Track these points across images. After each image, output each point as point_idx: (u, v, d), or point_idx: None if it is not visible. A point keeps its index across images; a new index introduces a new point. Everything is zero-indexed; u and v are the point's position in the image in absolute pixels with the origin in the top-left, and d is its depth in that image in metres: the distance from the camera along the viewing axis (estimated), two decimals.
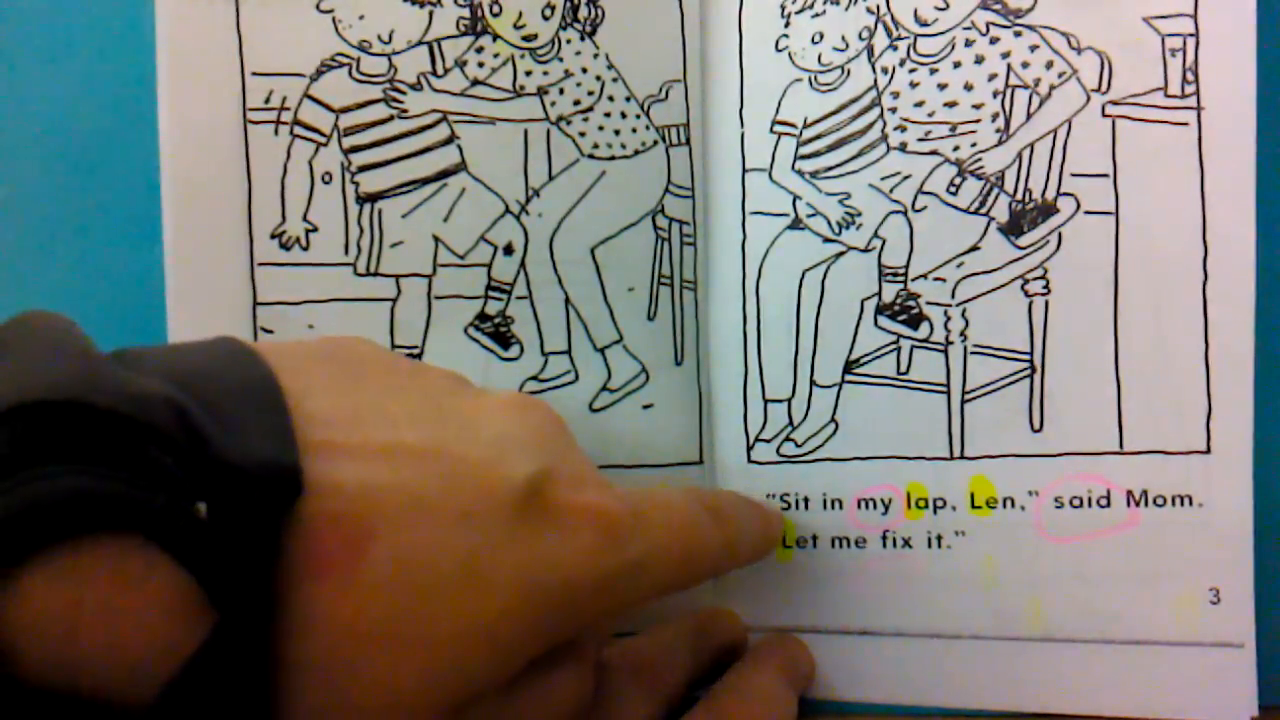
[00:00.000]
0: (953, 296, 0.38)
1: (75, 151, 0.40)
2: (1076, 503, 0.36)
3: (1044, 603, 0.36)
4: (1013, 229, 0.37)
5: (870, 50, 0.38)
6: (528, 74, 0.39)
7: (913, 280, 0.38)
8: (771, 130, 0.39)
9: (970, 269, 0.37)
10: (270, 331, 0.38)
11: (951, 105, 0.38)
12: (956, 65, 0.37)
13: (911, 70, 0.38)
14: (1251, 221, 0.35)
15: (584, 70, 0.39)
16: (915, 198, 0.38)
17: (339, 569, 0.21)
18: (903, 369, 0.38)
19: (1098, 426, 0.36)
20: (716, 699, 0.34)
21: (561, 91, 0.39)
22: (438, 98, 0.39)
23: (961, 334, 0.37)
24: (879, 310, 0.38)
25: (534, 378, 0.40)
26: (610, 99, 0.40)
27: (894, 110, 0.38)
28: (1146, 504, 0.36)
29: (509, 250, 0.39)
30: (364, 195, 0.39)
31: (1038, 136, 0.37)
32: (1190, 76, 0.35)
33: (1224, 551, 0.35)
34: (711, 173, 0.40)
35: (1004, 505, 0.37)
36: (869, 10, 0.38)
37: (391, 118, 0.39)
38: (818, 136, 0.39)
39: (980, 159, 0.37)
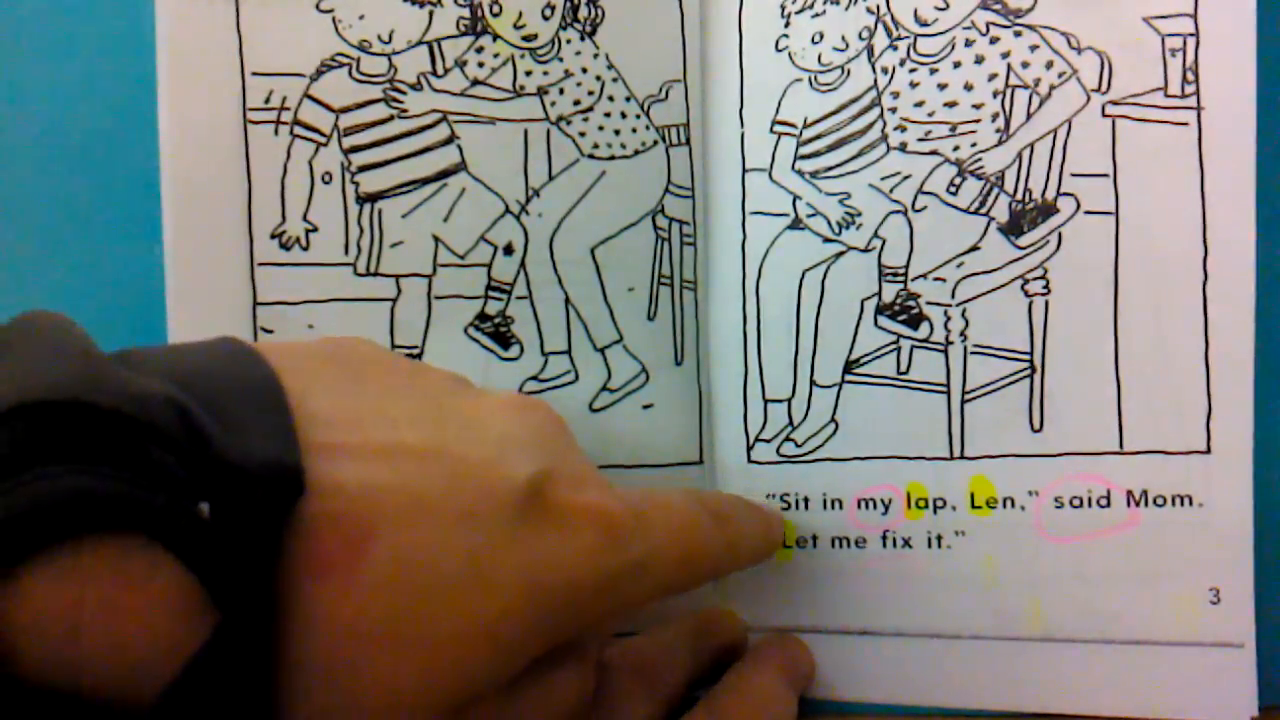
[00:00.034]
0: (953, 296, 0.38)
1: (75, 151, 0.40)
2: (1076, 503, 0.36)
3: (1044, 603, 0.36)
4: (1013, 229, 0.37)
5: (870, 50, 0.38)
6: (528, 74, 0.39)
7: (913, 280, 0.38)
8: (771, 130, 0.39)
9: (970, 269, 0.37)
10: (270, 331, 0.38)
11: (951, 105, 0.38)
12: (956, 65, 0.38)
13: (911, 70, 0.38)
14: (1251, 221, 0.35)
15: (584, 70, 0.39)
16: (915, 198, 0.38)
17: (340, 569, 0.21)
18: (903, 369, 0.38)
19: (1098, 426, 0.36)
20: (716, 699, 0.34)
21: (561, 91, 0.39)
22: (438, 98, 0.39)
23: (961, 334, 0.37)
24: (879, 310, 0.38)
25: (534, 378, 0.40)
26: (610, 99, 0.40)
27: (894, 110, 0.38)
28: (1146, 504, 0.36)
29: (509, 250, 0.39)
30: (364, 195, 0.39)
31: (1038, 136, 0.37)
32: (1190, 76, 0.35)
33: (1224, 551, 0.35)
34: (711, 173, 0.40)
35: (1004, 505, 0.37)
36: (869, 10, 0.38)
37: (391, 118, 0.39)
38: (818, 136, 0.39)
39: (980, 159, 0.37)
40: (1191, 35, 0.35)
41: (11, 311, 0.23)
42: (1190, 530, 0.35)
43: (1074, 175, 0.36)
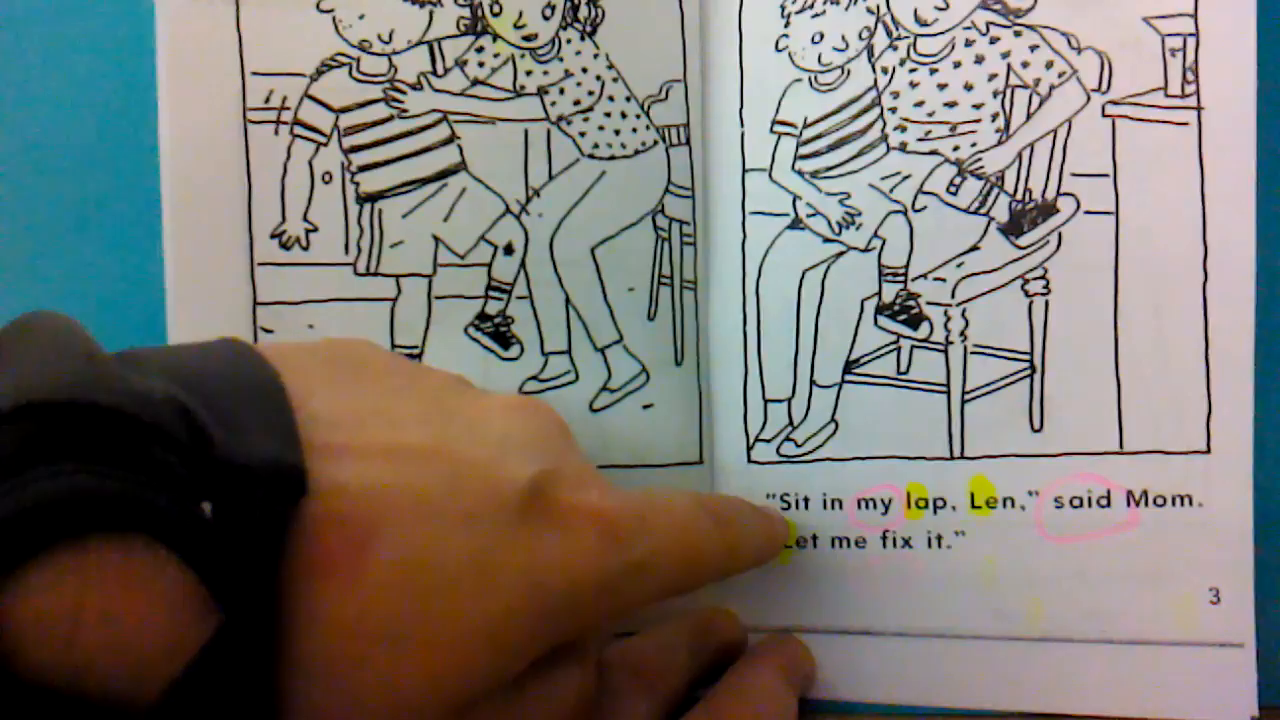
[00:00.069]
0: (953, 296, 0.38)
1: (75, 151, 0.40)
2: (1076, 503, 0.36)
3: (1044, 603, 0.36)
4: (1013, 229, 0.37)
5: (870, 50, 0.38)
6: (528, 74, 0.39)
7: (913, 280, 0.38)
8: (771, 130, 0.39)
9: (970, 269, 0.37)
10: (270, 331, 0.38)
11: (951, 105, 0.38)
12: (956, 65, 0.38)
13: (911, 70, 0.38)
14: (1251, 221, 0.35)
15: (584, 70, 0.39)
16: (915, 198, 0.38)
17: (343, 569, 0.21)
18: (903, 369, 0.38)
19: (1098, 426, 0.36)
20: (716, 699, 0.34)
21: (562, 91, 0.39)
22: (438, 97, 0.39)
23: (961, 334, 0.37)
24: (879, 310, 0.38)
25: (534, 378, 0.40)
26: (610, 99, 0.40)
27: (894, 110, 0.38)
28: (1146, 504, 0.36)
29: (509, 250, 0.39)
30: (364, 195, 0.39)
31: (1038, 136, 0.37)
32: (1190, 76, 0.35)
33: (1224, 551, 0.35)
34: (711, 173, 0.40)
35: (1004, 505, 0.37)
36: (869, 10, 0.38)
37: (392, 117, 0.39)
38: (818, 136, 0.39)
39: (980, 159, 0.37)
40: (1191, 35, 0.35)
41: (11, 311, 0.23)
42: (1190, 530, 0.35)
43: (1074, 175, 0.37)
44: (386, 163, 0.39)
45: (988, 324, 0.37)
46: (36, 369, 0.20)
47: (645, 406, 0.40)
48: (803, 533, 0.39)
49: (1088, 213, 0.36)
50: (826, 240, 0.39)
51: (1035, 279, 0.37)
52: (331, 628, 0.21)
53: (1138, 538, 0.36)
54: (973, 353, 0.37)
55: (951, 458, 0.37)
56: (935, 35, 0.38)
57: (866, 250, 0.38)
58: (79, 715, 0.18)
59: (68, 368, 0.20)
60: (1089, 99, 0.36)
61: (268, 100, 0.38)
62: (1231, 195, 0.35)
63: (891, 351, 0.38)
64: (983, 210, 0.37)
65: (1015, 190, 0.37)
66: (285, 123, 0.38)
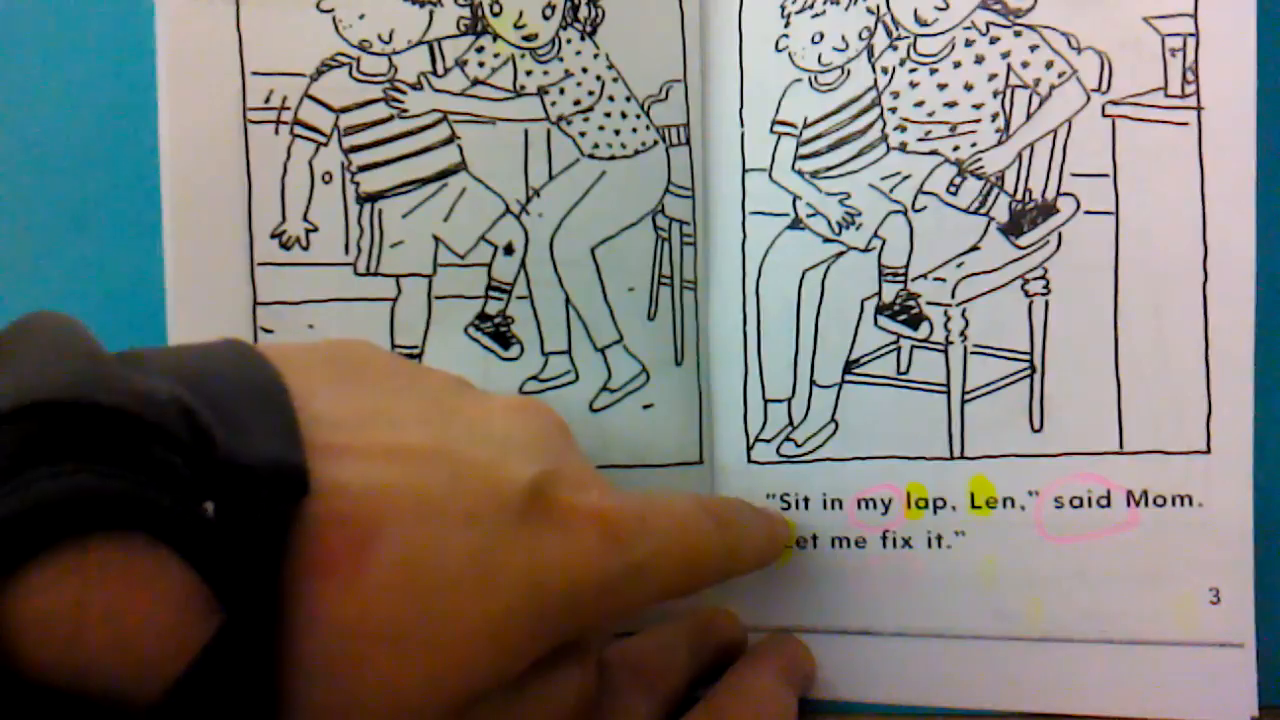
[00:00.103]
0: (953, 296, 0.38)
1: (75, 151, 0.40)
2: (1076, 503, 0.36)
3: (1044, 603, 0.36)
4: (1013, 229, 0.37)
5: (870, 50, 0.38)
6: (528, 74, 0.39)
7: (913, 280, 0.38)
8: (771, 130, 0.39)
9: (970, 269, 0.37)
10: (270, 331, 0.38)
11: (951, 105, 0.38)
12: (956, 65, 0.38)
13: (911, 70, 0.38)
14: (1251, 221, 0.35)
15: (584, 70, 0.39)
16: (915, 198, 0.38)
17: (344, 569, 0.21)
18: (903, 369, 0.38)
19: (1098, 426, 0.36)
20: (716, 699, 0.34)
21: (562, 91, 0.39)
22: (438, 97, 0.39)
23: (961, 334, 0.37)
24: (879, 310, 0.38)
25: (534, 378, 0.40)
26: (610, 99, 0.40)
27: (894, 110, 0.38)
28: (1146, 504, 0.36)
29: (509, 250, 0.39)
30: (364, 195, 0.39)
31: (1038, 136, 0.37)
32: (1190, 76, 0.35)
33: (1224, 551, 0.35)
34: (711, 173, 0.40)
35: (1004, 505, 0.37)
36: (869, 10, 0.38)
37: (392, 117, 0.39)
38: (818, 136, 0.39)
39: (980, 159, 0.37)
40: (1191, 35, 0.35)
41: (12, 311, 0.23)
42: (1190, 530, 0.35)
43: (1074, 175, 0.37)
44: (386, 163, 0.39)
45: (988, 324, 0.37)
46: (38, 368, 0.20)
47: (645, 406, 0.40)
48: (803, 533, 0.39)
49: (1088, 213, 0.36)
50: (826, 240, 0.39)
51: (1035, 279, 0.37)
52: (332, 627, 0.21)
53: (1138, 538, 0.36)
54: (973, 353, 0.37)
55: (951, 458, 0.37)
56: (935, 35, 0.38)
57: (866, 250, 0.38)
58: (81, 714, 0.18)
59: (70, 367, 0.20)
60: (1089, 99, 0.36)
61: (268, 100, 0.38)
62: (1231, 195, 0.35)
63: (891, 351, 0.38)
64: (983, 210, 0.37)
65: (1015, 190, 0.37)
66: (285, 123, 0.38)
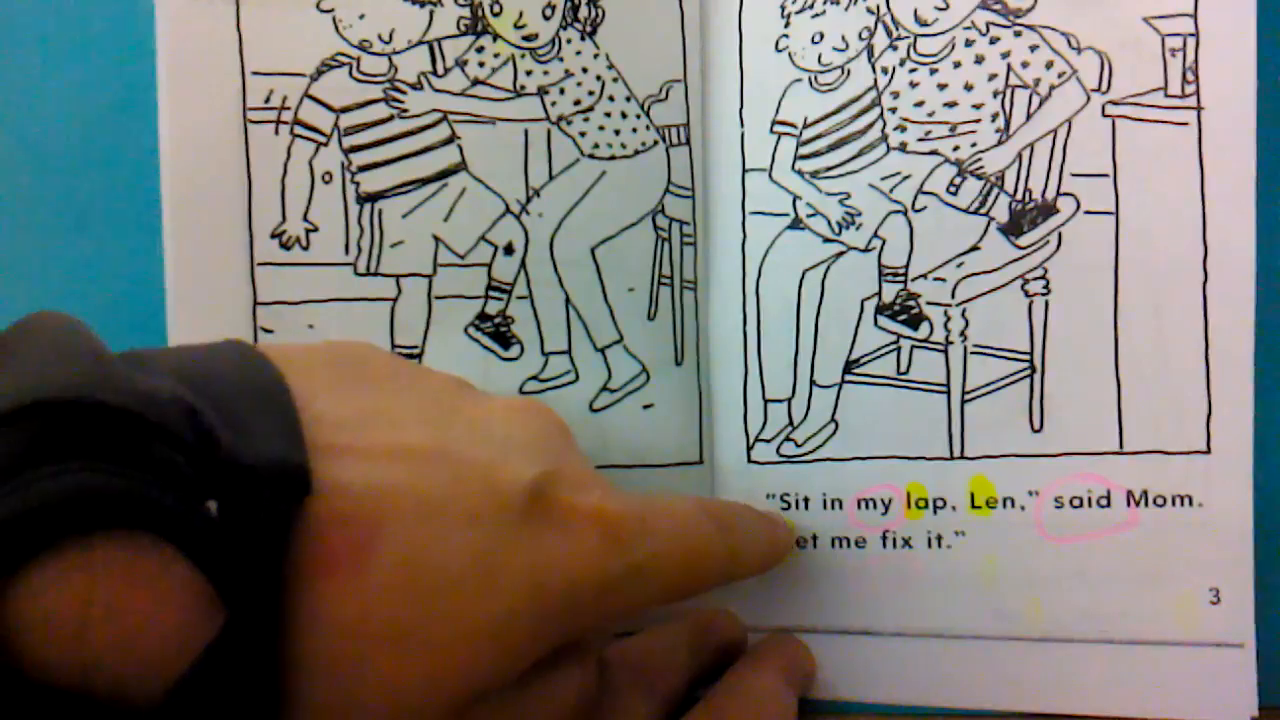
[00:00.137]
0: (953, 296, 0.38)
1: (75, 151, 0.40)
2: (1076, 503, 0.36)
3: (1044, 603, 0.36)
4: (1013, 229, 0.37)
5: (870, 50, 0.38)
6: (528, 74, 0.39)
7: (913, 280, 0.38)
8: (771, 130, 0.39)
9: (970, 269, 0.37)
10: (270, 331, 0.38)
11: (951, 105, 0.38)
12: (956, 65, 0.38)
13: (911, 70, 0.38)
14: (1251, 221, 0.35)
15: (584, 70, 0.39)
16: (915, 198, 0.38)
17: (346, 569, 0.21)
18: (903, 369, 0.38)
19: (1098, 426, 0.36)
20: (716, 699, 0.34)
21: (562, 91, 0.39)
22: (438, 97, 0.39)
23: (961, 334, 0.37)
24: (879, 310, 0.38)
25: (534, 378, 0.40)
26: (610, 99, 0.40)
27: (894, 110, 0.38)
28: (1146, 504, 0.36)
29: (509, 250, 0.39)
30: (364, 195, 0.39)
31: (1038, 136, 0.37)
32: (1190, 76, 0.35)
33: (1224, 551, 0.35)
34: (711, 173, 0.40)
35: (1004, 505, 0.37)
36: (869, 10, 0.38)
37: (392, 117, 0.39)
38: (818, 136, 0.39)
39: (980, 159, 0.37)
40: (1191, 35, 0.35)
41: (13, 311, 0.23)
42: (1190, 530, 0.35)
43: (1074, 175, 0.37)
44: (386, 163, 0.39)
45: (988, 324, 0.37)
46: (41, 368, 0.20)
47: (645, 406, 0.40)
48: (803, 533, 0.39)
49: (1088, 213, 0.36)
50: (826, 240, 0.39)
51: (1035, 279, 0.37)
52: (334, 627, 0.21)
53: (1138, 538, 0.36)
54: (973, 353, 0.37)
55: (951, 458, 0.38)
56: (935, 35, 0.38)
57: (866, 250, 0.38)
58: (86, 713, 0.18)
59: (73, 367, 0.20)
60: (1089, 99, 0.36)
61: (268, 100, 0.38)
62: (1231, 195, 0.35)
63: (891, 351, 0.38)
64: (983, 210, 0.37)
65: (1015, 190, 0.37)
66: (285, 123, 0.38)
